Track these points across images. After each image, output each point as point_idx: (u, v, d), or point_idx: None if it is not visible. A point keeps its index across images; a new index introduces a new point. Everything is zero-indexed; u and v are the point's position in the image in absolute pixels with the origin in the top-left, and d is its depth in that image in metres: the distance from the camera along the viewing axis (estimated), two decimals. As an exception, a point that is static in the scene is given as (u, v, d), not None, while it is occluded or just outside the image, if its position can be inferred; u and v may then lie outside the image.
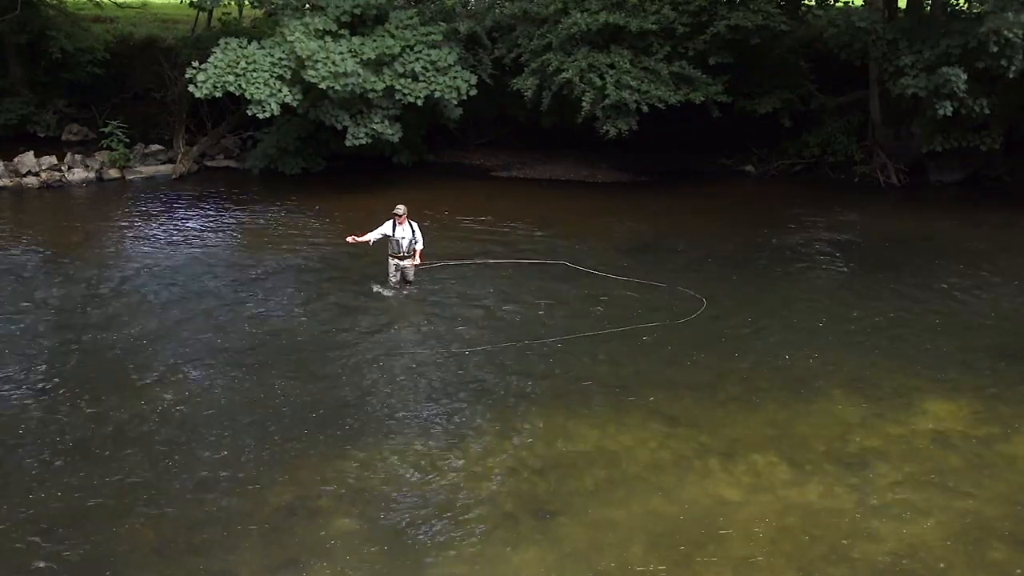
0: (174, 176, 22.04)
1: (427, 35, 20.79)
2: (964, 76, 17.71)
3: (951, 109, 18.23)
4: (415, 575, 7.47)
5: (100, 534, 7.95)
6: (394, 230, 13.76)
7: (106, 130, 22.12)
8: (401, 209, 13.76)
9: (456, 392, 10.73)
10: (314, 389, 10.68)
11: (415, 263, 14.00)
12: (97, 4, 27.48)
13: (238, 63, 18.94)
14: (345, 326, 12.68)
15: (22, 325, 12.64)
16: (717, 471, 9.00)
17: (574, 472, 8.97)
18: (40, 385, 10.77)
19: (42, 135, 25.00)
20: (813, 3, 22.41)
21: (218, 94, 18.98)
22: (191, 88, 19.07)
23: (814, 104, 22.16)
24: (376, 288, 14.02)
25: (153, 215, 18.79)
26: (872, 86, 21.46)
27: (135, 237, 17.24)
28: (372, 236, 13.85)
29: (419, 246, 13.92)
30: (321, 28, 19.58)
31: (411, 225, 13.85)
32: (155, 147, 23.42)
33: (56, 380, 10.90)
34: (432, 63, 20.39)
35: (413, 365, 11.48)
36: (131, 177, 21.92)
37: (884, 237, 17.45)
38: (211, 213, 18.94)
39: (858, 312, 13.24)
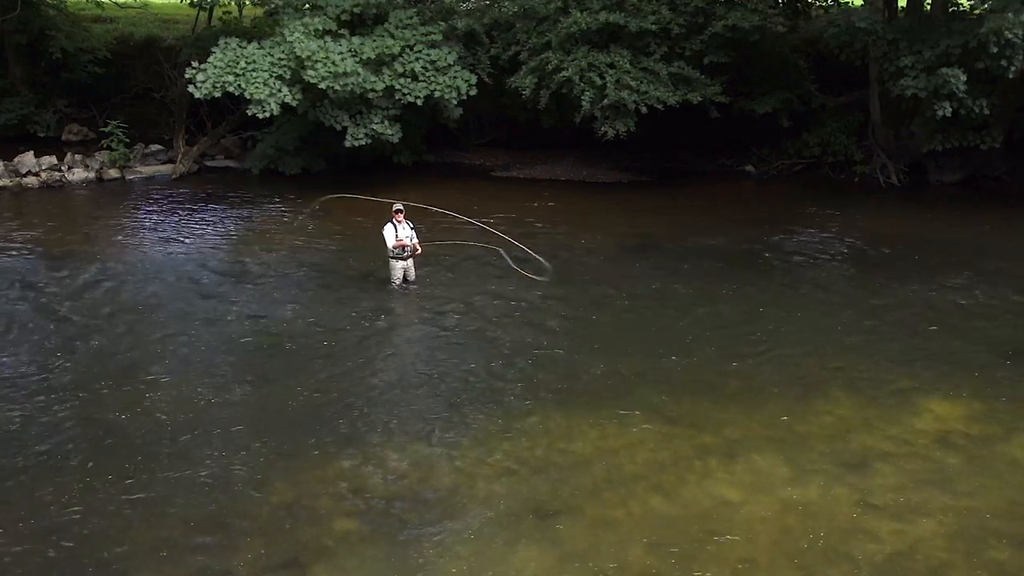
0: (174, 176, 22.06)
1: (427, 35, 20.80)
2: (964, 76, 17.72)
3: (950, 110, 18.24)
4: (415, 575, 7.47)
5: (101, 534, 7.95)
6: (397, 230, 13.81)
7: (106, 130, 22.16)
8: (401, 207, 13.81)
9: (456, 392, 10.72)
10: (314, 389, 10.69)
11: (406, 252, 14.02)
12: (97, 4, 27.49)
13: (238, 63, 18.95)
14: (346, 326, 12.67)
15: (21, 325, 12.64)
16: (717, 471, 9.00)
17: (574, 472, 8.97)
18: (39, 386, 10.76)
19: (42, 135, 25.02)
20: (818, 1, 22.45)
21: (218, 94, 19.00)
22: (191, 89, 19.09)
23: (814, 104, 22.15)
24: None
25: (153, 215, 18.79)
26: (872, 86, 21.45)
27: (135, 237, 17.25)
28: (391, 243, 13.85)
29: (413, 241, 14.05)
30: (321, 28, 19.59)
31: (408, 223, 13.92)
32: (155, 147, 23.46)
33: (55, 380, 10.90)
34: (432, 63, 20.39)
35: (413, 365, 11.49)
36: (131, 177, 21.94)
37: (884, 237, 17.43)
38: (211, 213, 18.94)
39: (858, 312, 13.24)
